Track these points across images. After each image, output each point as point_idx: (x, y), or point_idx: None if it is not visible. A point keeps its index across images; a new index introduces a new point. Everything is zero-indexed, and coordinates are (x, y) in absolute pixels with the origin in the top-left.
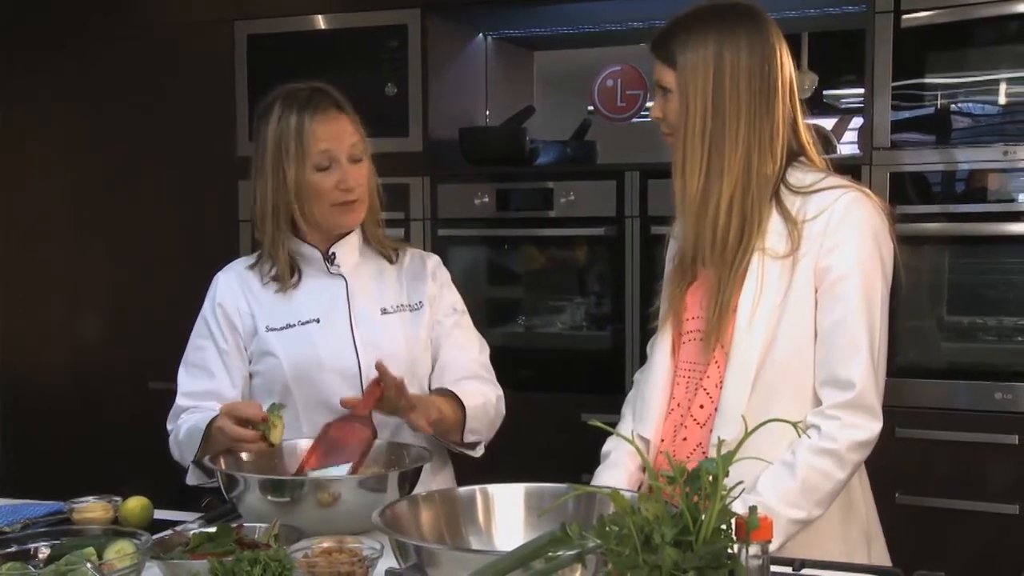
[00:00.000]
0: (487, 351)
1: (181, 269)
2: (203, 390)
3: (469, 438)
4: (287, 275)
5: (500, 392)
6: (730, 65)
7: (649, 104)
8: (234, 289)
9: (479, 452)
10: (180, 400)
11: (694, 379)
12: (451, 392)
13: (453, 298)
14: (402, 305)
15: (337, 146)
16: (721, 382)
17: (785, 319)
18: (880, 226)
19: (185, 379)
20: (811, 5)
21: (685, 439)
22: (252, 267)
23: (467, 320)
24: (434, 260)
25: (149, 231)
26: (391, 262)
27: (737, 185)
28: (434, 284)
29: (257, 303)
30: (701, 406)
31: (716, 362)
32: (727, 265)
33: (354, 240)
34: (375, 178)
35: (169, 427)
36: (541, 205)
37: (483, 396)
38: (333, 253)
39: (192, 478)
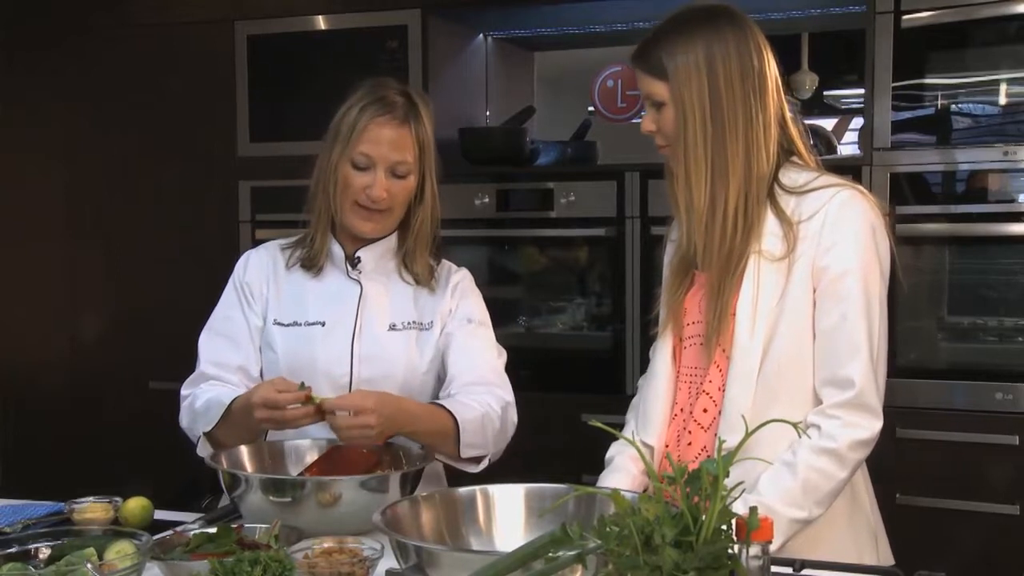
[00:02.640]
0: (503, 360)
1: (181, 269)
2: (231, 362)
3: (467, 452)
4: (320, 259)
5: (510, 399)
6: (723, 66)
7: None
8: (263, 270)
9: (480, 467)
10: (204, 367)
11: (696, 383)
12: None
13: (469, 309)
14: (413, 323)
15: (379, 152)
16: (723, 385)
17: (783, 320)
18: (877, 223)
19: (210, 347)
20: (811, 5)
21: (690, 443)
22: (285, 248)
23: (484, 332)
24: (459, 275)
25: (149, 232)
26: (419, 284)
27: (741, 188)
28: (451, 300)
29: (276, 292)
30: (704, 410)
31: (717, 365)
32: (725, 269)
33: (384, 249)
34: (432, 205)
35: (184, 392)
36: (541, 205)
37: (482, 407)
38: (358, 257)
39: (203, 449)
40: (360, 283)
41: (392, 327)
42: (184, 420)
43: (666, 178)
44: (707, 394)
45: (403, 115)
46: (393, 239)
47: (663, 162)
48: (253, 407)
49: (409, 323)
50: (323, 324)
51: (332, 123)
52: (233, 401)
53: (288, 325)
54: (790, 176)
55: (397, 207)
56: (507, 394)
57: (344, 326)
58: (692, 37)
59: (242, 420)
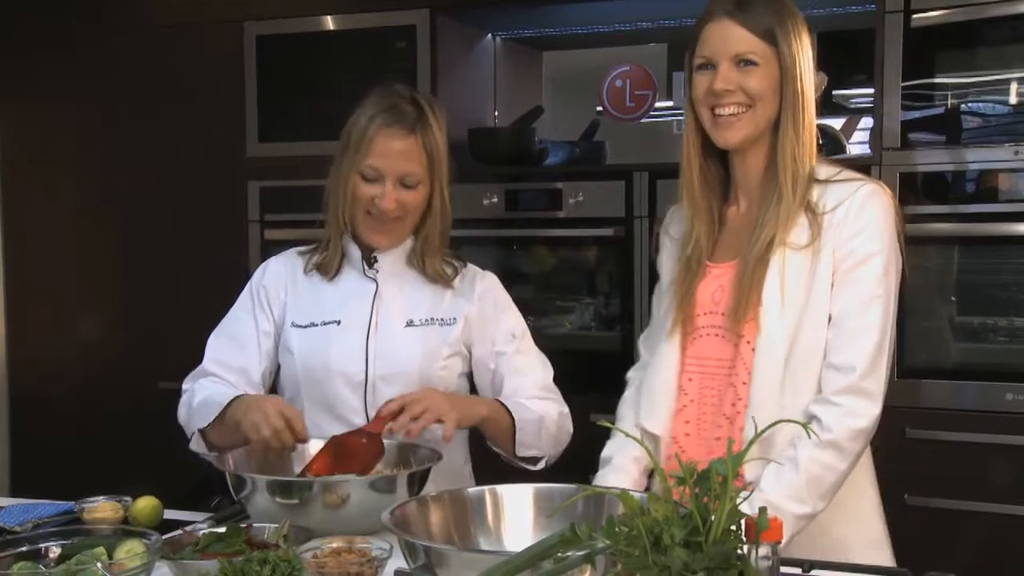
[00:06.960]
0: (551, 371)
1: (190, 270)
2: (232, 362)
3: (522, 452)
4: (335, 263)
5: (565, 409)
6: (807, 48)
7: (659, 104)
8: (281, 276)
9: (539, 467)
10: (207, 364)
11: (719, 375)
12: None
13: (511, 323)
14: (432, 319)
15: (387, 165)
16: (748, 377)
17: (808, 310)
18: (895, 219)
19: (216, 346)
20: (821, 5)
21: (718, 438)
22: (303, 254)
23: (527, 344)
24: (487, 282)
25: (158, 231)
26: (436, 283)
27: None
28: (481, 305)
29: (294, 295)
30: (732, 404)
31: (741, 356)
32: (751, 258)
33: (400, 251)
34: (441, 215)
35: (185, 386)
36: (550, 206)
37: (540, 411)
38: (375, 257)
39: (196, 444)
40: (376, 281)
41: (410, 323)
42: (181, 414)
43: (731, 151)
44: (733, 386)
45: (412, 125)
46: (409, 242)
47: (672, 162)
48: (249, 425)
49: (428, 319)
50: (338, 323)
51: (345, 129)
52: (228, 406)
53: (305, 326)
54: (815, 168)
55: (409, 216)
56: (562, 405)
57: (359, 324)
58: (791, 12)
59: (232, 427)
